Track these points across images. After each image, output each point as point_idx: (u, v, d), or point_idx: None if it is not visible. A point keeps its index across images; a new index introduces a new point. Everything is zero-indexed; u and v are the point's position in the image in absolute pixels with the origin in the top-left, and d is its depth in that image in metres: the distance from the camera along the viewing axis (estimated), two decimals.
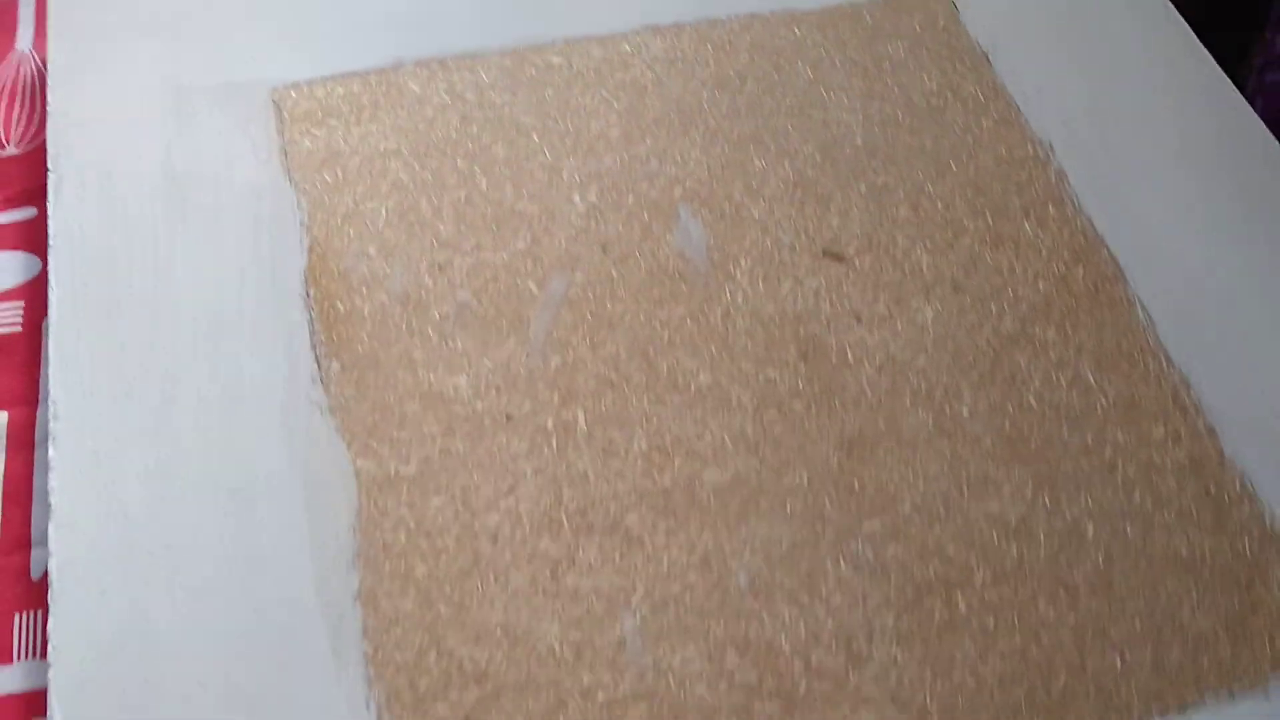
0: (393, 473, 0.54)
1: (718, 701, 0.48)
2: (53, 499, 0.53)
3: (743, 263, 0.61)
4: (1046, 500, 0.54)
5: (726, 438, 0.55)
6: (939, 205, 0.63)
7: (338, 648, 0.50)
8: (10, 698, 0.51)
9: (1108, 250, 0.62)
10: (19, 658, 0.52)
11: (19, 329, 0.61)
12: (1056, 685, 0.49)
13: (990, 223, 0.63)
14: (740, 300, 0.59)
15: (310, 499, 0.53)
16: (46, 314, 0.60)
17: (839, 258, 0.61)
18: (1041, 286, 0.60)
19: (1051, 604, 0.51)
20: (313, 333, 0.58)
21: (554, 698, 0.48)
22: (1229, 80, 0.69)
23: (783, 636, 0.50)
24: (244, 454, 0.54)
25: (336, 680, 0.49)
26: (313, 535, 0.53)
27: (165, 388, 0.56)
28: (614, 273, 0.60)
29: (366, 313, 0.59)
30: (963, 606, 0.51)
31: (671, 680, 0.49)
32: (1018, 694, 0.49)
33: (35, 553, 0.54)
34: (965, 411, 0.56)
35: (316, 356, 0.58)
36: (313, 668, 0.49)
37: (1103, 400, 0.57)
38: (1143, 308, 0.60)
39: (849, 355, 0.58)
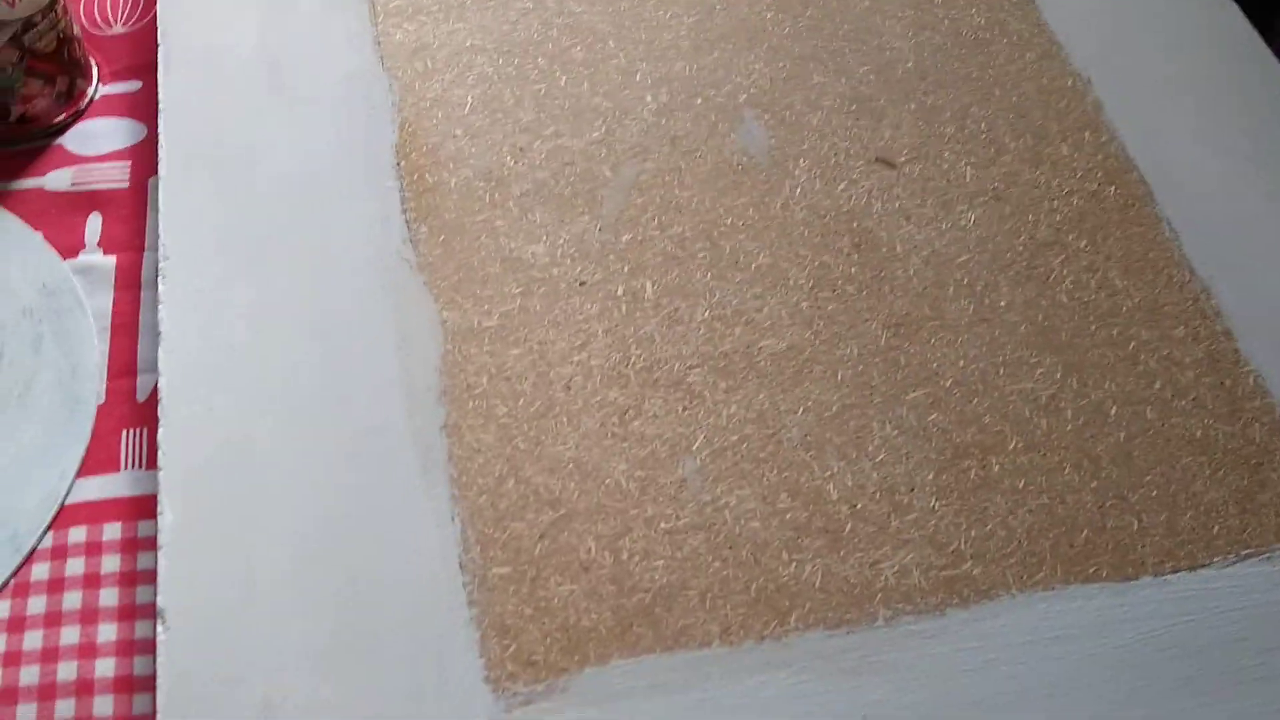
0: (476, 324, 0.58)
1: (769, 535, 0.53)
2: (162, 328, 0.57)
3: (801, 163, 0.65)
4: (1074, 383, 0.58)
5: (783, 312, 0.59)
6: (983, 126, 0.67)
7: (426, 468, 0.54)
8: (117, 500, 0.55)
9: (1138, 173, 0.66)
10: (126, 466, 0.55)
11: (126, 185, 0.65)
12: (1079, 539, 0.53)
13: (1030, 144, 0.67)
14: (798, 194, 0.64)
15: (400, 343, 0.57)
16: (153, 172, 0.64)
17: (890, 164, 0.65)
18: (1075, 201, 0.64)
19: (1076, 471, 0.55)
20: (403, 199, 0.62)
21: (620, 523, 0.53)
22: (1249, 22, 0.74)
23: (831, 485, 0.54)
24: (338, 300, 0.58)
25: (425, 496, 0.53)
26: (403, 373, 0.57)
27: (265, 240, 0.60)
28: (682, 164, 0.64)
29: (453, 185, 0.63)
30: (996, 468, 0.55)
31: (728, 515, 0.53)
32: (1043, 544, 0.53)
33: (141, 379, 0.58)
34: (1003, 303, 0.60)
35: (406, 220, 0.61)
36: (402, 485, 0.53)
37: (1128, 302, 0.61)
38: (1169, 225, 0.64)
39: (898, 248, 0.62)
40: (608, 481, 0.53)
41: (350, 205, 0.61)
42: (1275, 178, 0.67)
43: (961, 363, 0.58)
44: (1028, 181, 0.66)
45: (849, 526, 0.53)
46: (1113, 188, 0.66)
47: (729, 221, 0.62)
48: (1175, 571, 0.53)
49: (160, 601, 0.49)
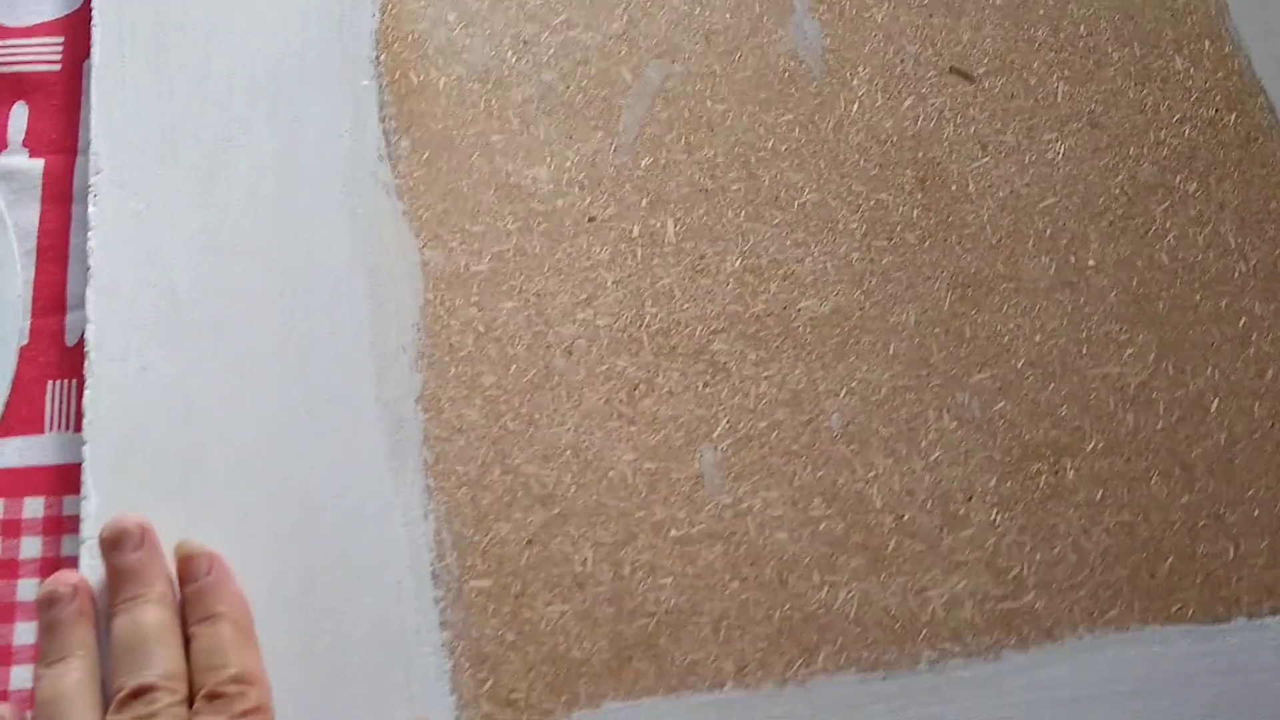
0: (463, 268, 0.49)
1: (799, 550, 0.45)
2: (91, 260, 0.48)
3: (861, 71, 0.54)
4: (1170, 368, 0.49)
5: (829, 265, 0.50)
6: (1082, 30, 0.56)
7: (396, 449, 0.46)
8: (41, 469, 0.47)
9: (1265, 98, 0.56)
10: (51, 428, 0.48)
11: (57, 67, 0.55)
12: (1162, 568, 0.46)
13: (1137, 54, 0.56)
14: (855, 112, 0.53)
15: (374, 287, 0.49)
16: (89, 54, 0.53)
17: (967, 77, 0.54)
18: (1187, 132, 0.54)
19: (1165, 481, 0.47)
20: (381, 104, 0.52)
21: (624, 529, 0.45)
22: None
23: (875, 489, 0.46)
24: (302, 231, 0.49)
25: (394, 487, 0.45)
26: (374, 327, 0.48)
27: (217, 149, 0.51)
28: (717, 67, 0.54)
29: (442, 86, 0.53)
30: (1070, 474, 0.47)
31: (750, 523, 0.45)
32: (1120, 573, 0.45)
33: (70, 317, 0.50)
34: (1091, 261, 0.51)
35: (385, 130, 0.52)
36: (368, 471, 0.46)
37: (1242, 265, 0.52)
38: None
39: (970, 186, 0.52)
40: (611, 474, 0.45)
41: (320, 109, 0.52)
42: None
43: (1038, 337, 0.49)
44: (1131, 103, 0.55)
45: (893, 543, 0.45)
46: (1233, 115, 0.55)
47: (770, 145, 0.52)
48: (1275, 613, 0.45)
49: None
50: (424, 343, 0.48)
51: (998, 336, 0.50)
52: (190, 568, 0.42)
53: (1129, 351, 0.50)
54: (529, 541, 0.45)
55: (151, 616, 0.41)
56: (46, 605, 0.42)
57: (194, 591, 0.42)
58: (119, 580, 0.42)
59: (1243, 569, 0.47)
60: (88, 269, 0.49)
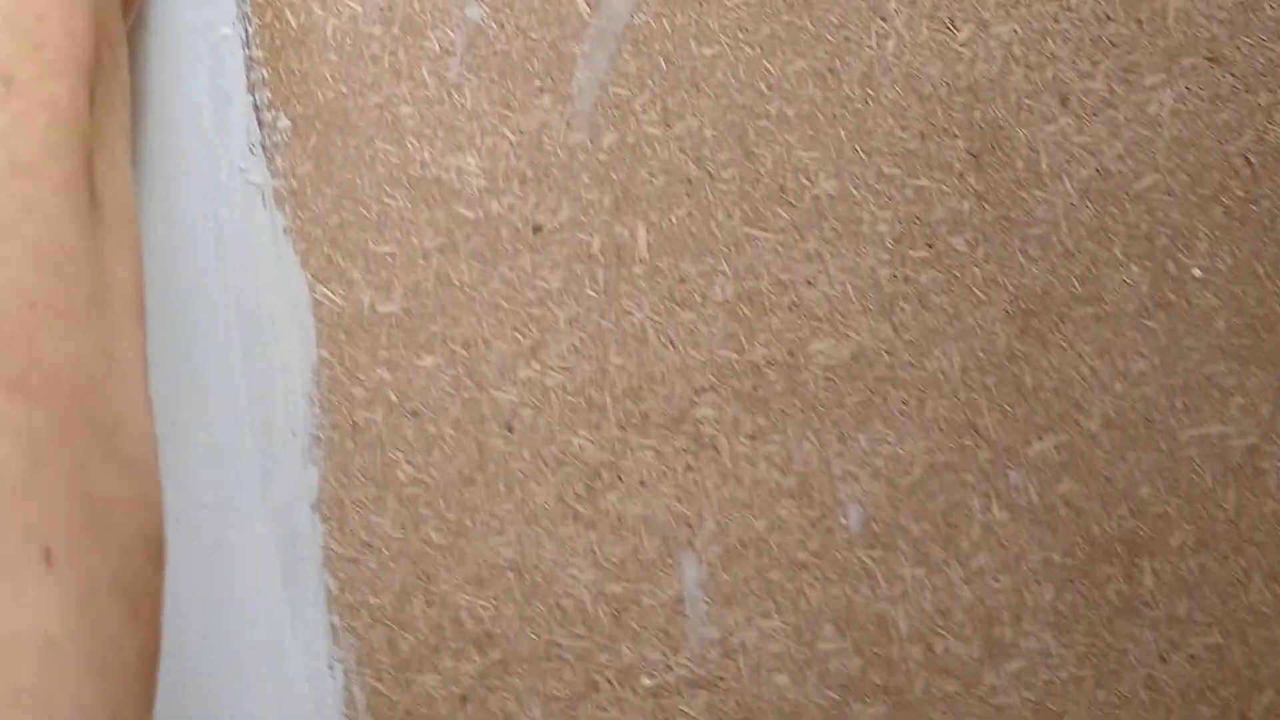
0: (367, 308, 0.38)
1: (803, 699, 0.36)
2: None
3: None
4: None
5: (850, 286, 0.39)
6: None
7: (289, 575, 0.36)
8: None
9: None
10: None
11: None
12: (1259, 704, 0.37)
13: None
14: (891, 52, 0.41)
15: (250, 342, 0.37)
16: None
17: None
18: None
19: (1270, 585, 0.38)
20: (248, 62, 0.39)
21: (582, 677, 0.36)
22: None
23: (900, 610, 0.37)
24: (153, 262, 0.37)
25: (290, 627, 0.36)
26: (254, 401, 0.37)
27: None
28: None
29: (330, 31, 0.40)
30: (1149, 580, 0.37)
31: (744, 664, 0.37)
32: (1204, 714, 0.37)
33: None
34: (1197, 270, 0.39)
35: (255, 104, 0.39)
36: (257, 605, 0.36)
37: None
38: None
39: (1043, 162, 0.40)
40: (565, 602, 0.37)
41: (162, 71, 0.39)
42: None
43: (1119, 385, 0.39)
44: (1271, 24, 0.42)
45: (921, 683, 0.37)
46: None
47: (774, 108, 0.40)
48: None
49: None
50: (319, 420, 0.37)
51: (1067, 387, 0.39)
52: None
53: (1237, 402, 0.39)
54: (463, 698, 0.36)
55: None
56: None
57: None
58: None
59: None
60: None
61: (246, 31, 0.41)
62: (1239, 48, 0.42)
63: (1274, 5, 0.42)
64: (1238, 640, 0.39)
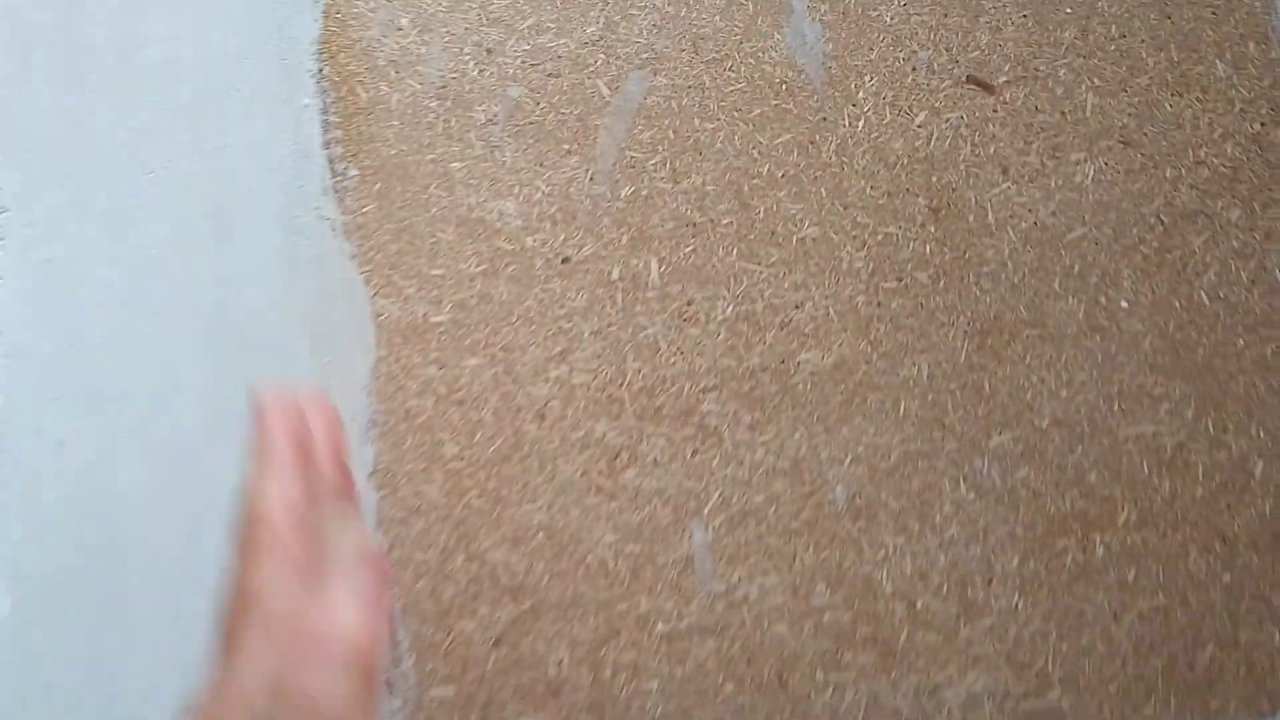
0: (420, 319, 0.45)
1: (800, 646, 0.41)
2: None
3: (867, 81, 0.50)
4: (1210, 425, 0.46)
5: (832, 309, 0.46)
6: (1113, 31, 0.52)
7: None
8: None
9: None
10: None
11: None
12: (1202, 658, 0.42)
13: (1174, 59, 0.52)
14: (861, 130, 0.49)
15: (316, 346, 0.44)
16: None
17: (987, 87, 0.50)
18: (1229, 149, 0.50)
19: (1204, 556, 0.44)
20: (324, 125, 0.47)
21: (605, 623, 0.41)
22: None
23: (884, 572, 0.43)
24: (232, 280, 0.45)
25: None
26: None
27: (134, 181, 0.46)
28: (706, 79, 0.49)
29: (395, 104, 0.48)
30: (1100, 551, 0.43)
31: (747, 614, 0.42)
32: (1154, 664, 0.42)
33: None
34: (1124, 303, 0.47)
35: (329, 158, 0.47)
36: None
37: None
38: None
39: (989, 216, 0.48)
40: (589, 559, 0.42)
41: (254, 133, 0.47)
42: None
43: (1065, 392, 0.46)
44: (1168, 118, 0.51)
45: (905, 634, 0.42)
46: None
47: (765, 170, 0.48)
48: None
49: None
50: (376, 409, 0.44)
51: (1020, 392, 0.46)
52: None
53: (1165, 407, 0.46)
54: (497, 641, 0.41)
55: None
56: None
57: None
58: None
59: None
60: None
61: (324, 100, 0.50)
62: (1146, 134, 0.51)
63: (1172, 103, 0.52)
64: (1180, 603, 0.45)
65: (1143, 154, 0.52)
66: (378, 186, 0.48)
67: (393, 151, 0.49)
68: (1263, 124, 0.53)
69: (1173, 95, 0.53)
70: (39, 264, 0.46)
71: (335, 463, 0.35)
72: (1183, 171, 0.52)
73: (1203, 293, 0.49)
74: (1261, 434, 0.47)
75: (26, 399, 0.44)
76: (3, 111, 0.48)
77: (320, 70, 0.50)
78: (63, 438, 0.43)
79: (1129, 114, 0.53)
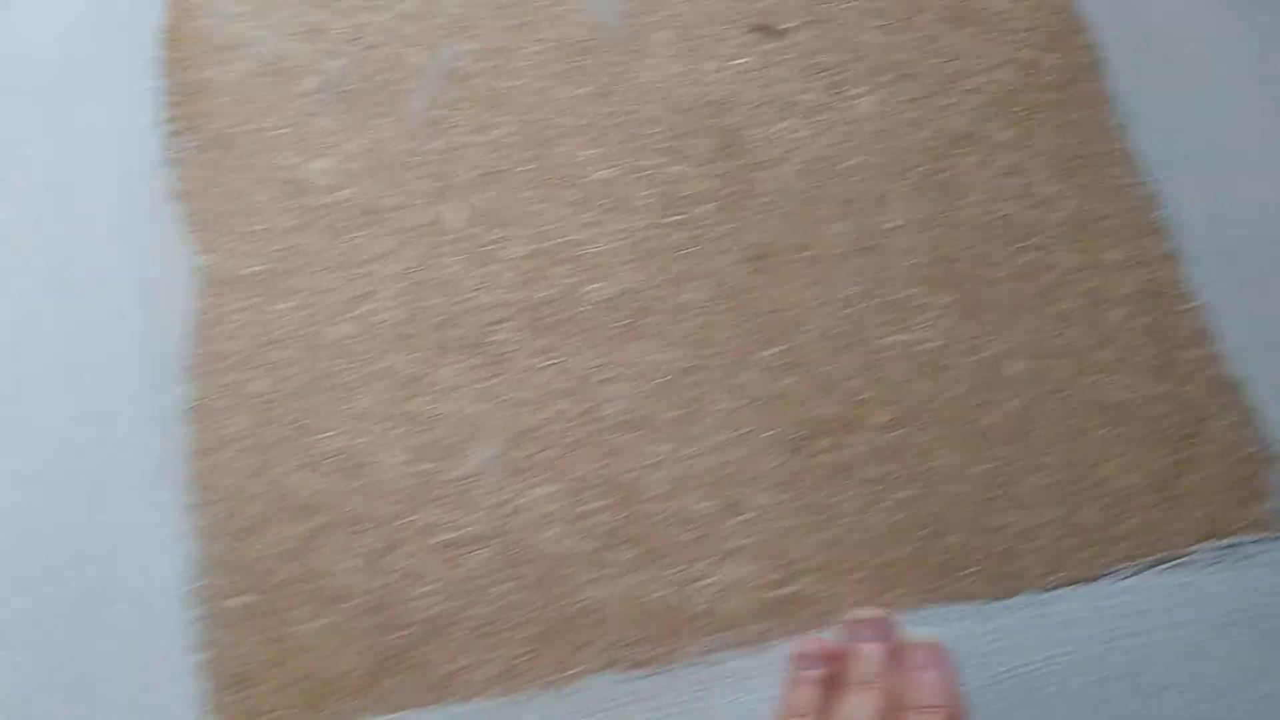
0: (238, 271, 0.48)
1: (570, 547, 0.44)
2: None
3: (662, 35, 0.52)
4: (969, 331, 0.47)
5: (619, 244, 0.49)
6: None
7: (163, 465, 0.45)
8: None
9: (1088, 35, 0.52)
10: None
11: None
12: (948, 544, 0.44)
13: None
14: (655, 80, 0.51)
15: (148, 297, 0.47)
16: None
17: (772, 31, 0.52)
18: (1003, 75, 0.51)
19: (956, 451, 0.45)
20: (166, 105, 0.50)
21: (388, 535, 0.44)
22: None
23: (651, 477, 0.45)
24: (77, 238, 0.50)
25: (151, 504, 0.44)
26: (147, 338, 0.47)
27: None
28: (511, 42, 0.52)
29: (228, 82, 0.52)
30: (857, 450, 0.45)
31: (522, 521, 0.45)
32: (902, 551, 0.44)
33: None
34: (889, 224, 0.48)
35: (167, 133, 0.50)
36: (130, 488, 0.44)
37: (1054, 215, 0.49)
38: (1120, 106, 0.51)
39: (771, 151, 0.50)
40: (380, 479, 0.44)
41: (98, 109, 0.50)
42: (1269, 48, 0.52)
43: (831, 307, 0.47)
44: (947, 49, 0.52)
45: (666, 533, 0.43)
46: (1054, 55, 0.53)
47: (565, 121, 0.50)
48: (1064, 585, 0.43)
49: None
50: (196, 350, 0.47)
51: (789, 310, 0.48)
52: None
53: (926, 316, 0.48)
54: (292, 555, 0.44)
55: None
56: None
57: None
58: None
59: (1032, 542, 0.45)
60: None
61: (166, 84, 0.53)
62: (924, 66, 0.53)
63: (951, 36, 0.53)
64: (930, 494, 0.46)
65: (920, 84, 0.53)
66: (210, 155, 0.51)
67: (224, 124, 0.52)
68: (1038, 50, 0.54)
69: (953, 28, 0.54)
70: None
71: None
72: (957, 97, 0.53)
73: (968, 210, 0.51)
74: (1017, 336, 0.48)
75: None
76: None
77: (164, 56, 0.53)
78: None
79: (910, 49, 0.54)
